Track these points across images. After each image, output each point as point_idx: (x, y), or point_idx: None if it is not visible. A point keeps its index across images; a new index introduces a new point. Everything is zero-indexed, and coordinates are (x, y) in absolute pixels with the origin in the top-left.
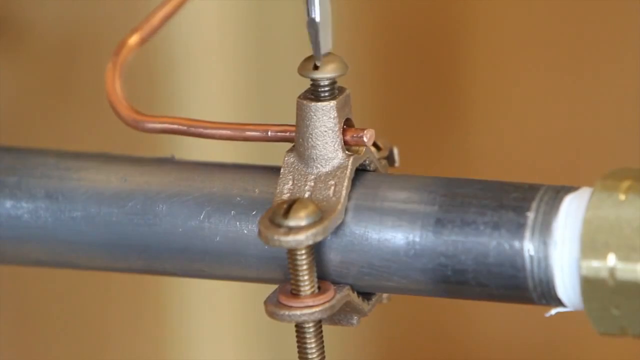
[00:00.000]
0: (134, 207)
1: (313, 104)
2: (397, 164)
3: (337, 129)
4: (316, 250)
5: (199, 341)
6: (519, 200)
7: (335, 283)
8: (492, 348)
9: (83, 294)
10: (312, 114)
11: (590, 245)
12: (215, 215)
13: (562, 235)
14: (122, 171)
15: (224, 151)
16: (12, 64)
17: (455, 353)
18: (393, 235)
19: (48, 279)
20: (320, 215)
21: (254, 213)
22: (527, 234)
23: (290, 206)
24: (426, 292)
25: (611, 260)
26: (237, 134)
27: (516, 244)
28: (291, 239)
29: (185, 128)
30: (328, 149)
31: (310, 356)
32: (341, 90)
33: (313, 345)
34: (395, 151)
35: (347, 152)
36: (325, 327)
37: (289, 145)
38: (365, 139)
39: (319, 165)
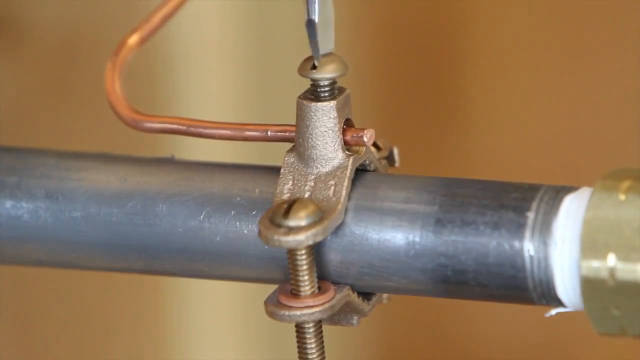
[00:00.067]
0: (134, 207)
1: (313, 104)
2: (397, 164)
3: (337, 129)
4: (316, 250)
5: (199, 341)
6: (519, 200)
7: (335, 283)
8: (492, 348)
9: (83, 294)
10: (312, 114)
11: (590, 245)
12: (215, 215)
13: (562, 235)
14: (122, 171)
15: (224, 151)
16: (12, 64)
17: (455, 353)
18: (393, 235)
19: (48, 279)
20: (320, 215)
21: (254, 213)
22: (527, 234)
23: (290, 206)
24: (426, 292)
25: (611, 260)
26: (236, 133)
27: (516, 244)
28: (291, 239)
29: (184, 128)
30: (328, 149)
31: (310, 356)
32: (341, 90)
33: (313, 345)
34: (395, 151)
35: (347, 152)
36: (325, 327)
37: (289, 145)
38: (365, 139)
39: (319, 165)
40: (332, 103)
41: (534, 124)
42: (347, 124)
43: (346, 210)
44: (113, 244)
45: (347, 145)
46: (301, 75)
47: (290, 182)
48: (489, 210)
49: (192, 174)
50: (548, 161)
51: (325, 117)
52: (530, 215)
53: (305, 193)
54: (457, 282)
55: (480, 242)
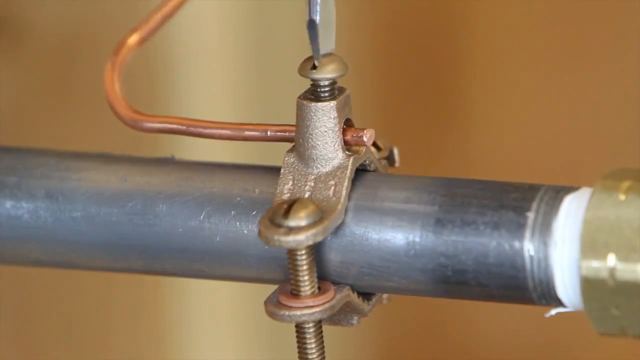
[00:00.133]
0: (134, 207)
1: (313, 104)
2: (397, 164)
3: (337, 129)
4: (316, 251)
5: (199, 341)
6: (519, 200)
7: (335, 283)
8: (492, 348)
9: (83, 294)
10: (312, 114)
11: (590, 245)
12: (215, 216)
13: (562, 236)
14: (122, 171)
15: (224, 151)
16: (12, 64)
17: (455, 353)
18: (393, 235)
19: (48, 279)
20: (320, 215)
21: (254, 213)
22: (527, 234)
23: (290, 206)
24: (426, 293)
25: (611, 260)
26: (236, 133)
27: (516, 244)
28: (291, 239)
29: (184, 128)
30: (328, 149)
31: (310, 356)
32: (341, 90)
33: (313, 345)
34: (395, 151)
35: (347, 152)
36: (325, 327)
37: (289, 145)
38: (365, 139)
39: (319, 166)
40: (332, 103)
41: (534, 124)
42: (347, 124)
43: (346, 210)
44: (113, 244)
45: (347, 145)
46: (301, 75)
47: (290, 182)
48: (489, 210)
49: (192, 174)
50: (548, 161)
51: (325, 117)
52: (530, 215)
53: (305, 193)
54: (457, 282)
55: (480, 242)
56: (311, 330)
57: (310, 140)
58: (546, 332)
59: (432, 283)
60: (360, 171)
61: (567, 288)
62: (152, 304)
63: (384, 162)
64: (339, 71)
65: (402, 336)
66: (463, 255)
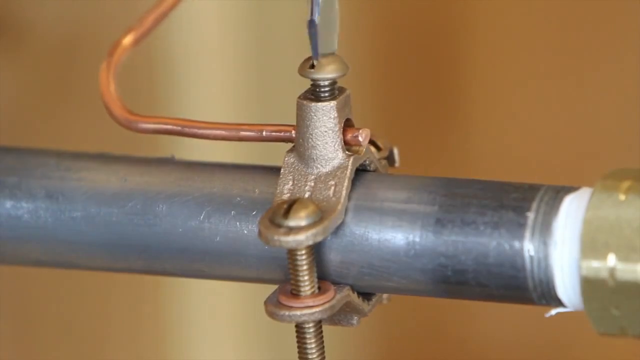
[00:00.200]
0: (134, 207)
1: (313, 104)
2: (397, 164)
3: (337, 129)
4: (316, 251)
5: (199, 341)
6: (519, 200)
7: (335, 283)
8: (492, 348)
9: (83, 294)
10: (312, 114)
11: (590, 245)
12: (215, 216)
13: (562, 236)
14: (122, 171)
15: (224, 151)
16: (12, 64)
17: (455, 353)
18: (393, 235)
19: (48, 279)
20: (320, 215)
21: (254, 213)
22: (527, 234)
23: (290, 206)
24: (426, 293)
25: (611, 260)
26: (231, 134)
27: (516, 244)
28: (291, 239)
29: (179, 128)
30: (328, 149)
31: (310, 356)
32: (341, 90)
33: (313, 345)
34: (395, 151)
35: (347, 152)
36: (325, 327)
37: (289, 145)
38: (360, 139)
39: (319, 166)
40: (332, 103)
41: (534, 124)
42: (347, 124)
43: (346, 210)
44: (113, 244)
45: (347, 145)
46: (301, 75)
47: (290, 182)
48: (489, 210)
49: (192, 174)
50: (548, 161)
51: (325, 117)
52: (530, 215)
53: (305, 193)
54: (457, 282)
55: (480, 242)
56: (311, 330)
57: (310, 140)
58: (546, 332)
59: (432, 283)
60: (360, 171)
61: (567, 288)
62: (152, 304)
63: (384, 162)
64: (339, 71)
65: (402, 336)
66: (463, 255)
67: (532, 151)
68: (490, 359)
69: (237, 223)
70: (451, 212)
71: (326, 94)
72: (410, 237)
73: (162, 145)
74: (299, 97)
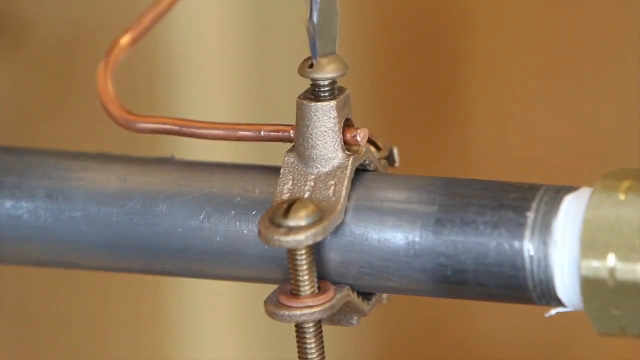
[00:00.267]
0: (134, 207)
1: (313, 104)
2: (397, 164)
3: (337, 129)
4: (316, 251)
5: (199, 341)
6: (519, 200)
7: (335, 283)
8: (492, 348)
9: (83, 294)
10: (313, 114)
11: (590, 245)
12: (215, 216)
13: (562, 236)
14: (122, 171)
15: (224, 151)
16: (12, 64)
17: (455, 353)
18: (393, 235)
19: (48, 279)
20: (320, 215)
21: (254, 213)
22: (527, 234)
23: (290, 206)
24: (426, 293)
25: (611, 260)
26: (230, 134)
27: (516, 244)
28: (291, 239)
29: (177, 128)
30: (328, 149)
31: (310, 356)
32: (341, 90)
33: (313, 345)
34: (395, 151)
35: (347, 152)
36: (325, 327)
37: (289, 145)
38: (358, 139)
39: (319, 166)
40: (332, 103)
41: (534, 124)
42: (347, 124)
43: (346, 210)
44: (113, 244)
45: (347, 146)
46: (301, 75)
47: (290, 182)
48: (489, 210)
49: (192, 174)
50: (548, 161)
51: (325, 117)
52: (530, 215)
53: (305, 193)
54: (457, 282)
55: (480, 242)
56: (311, 330)
57: (310, 140)
58: (546, 332)
59: (432, 283)
60: (360, 171)
61: (567, 288)
62: (152, 304)
63: (384, 162)
64: (339, 71)
65: (402, 336)
66: (463, 255)
67: (532, 151)
68: (490, 359)
69: (237, 223)
70: (451, 212)
71: (326, 94)
72: (410, 237)
73: (162, 145)
74: (299, 97)
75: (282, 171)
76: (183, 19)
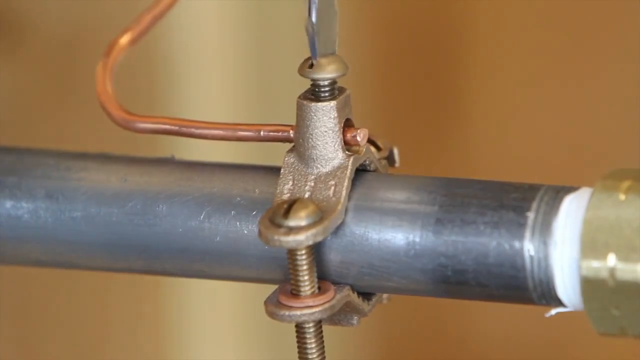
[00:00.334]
0: (134, 207)
1: (313, 104)
2: (397, 164)
3: (337, 129)
4: (316, 251)
5: (199, 341)
6: (519, 200)
7: (335, 283)
8: (492, 348)
9: (83, 294)
10: (313, 114)
11: (590, 245)
12: (215, 216)
13: (562, 236)
14: (122, 171)
15: (224, 151)
16: (12, 64)
17: (455, 353)
18: (393, 235)
19: (48, 279)
20: (321, 215)
21: (254, 213)
22: (527, 234)
23: (290, 206)
24: (426, 292)
25: (611, 260)
26: (229, 134)
27: (516, 244)
28: (291, 239)
29: (176, 128)
30: (328, 149)
31: (310, 356)
32: (341, 90)
33: (313, 345)
34: (395, 151)
35: (347, 152)
36: (325, 327)
37: (289, 145)
38: (358, 138)
39: (319, 166)
40: (332, 103)
41: (534, 124)
42: (347, 124)
43: (346, 210)
44: (113, 244)
45: (347, 145)
46: (301, 75)
47: (290, 182)
48: (489, 210)
49: (192, 174)
50: (548, 161)
51: (325, 117)
52: (530, 215)
53: (305, 193)
54: (457, 282)
55: (480, 242)
56: (311, 330)
57: (310, 140)
58: (546, 332)
59: (432, 283)
60: (360, 171)
61: (567, 288)
62: (152, 304)
63: (384, 162)
64: (339, 71)
65: (402, 336)
66: (463, 255)
67: (532, 151)
68: (490, 359)
69: (237, 223)
70: (451, 212)
71: (326, 94)
72: (411, 237)
73: (162, 145)
74: (299, 97)
75: (282, 171)
76: (183, 19)
